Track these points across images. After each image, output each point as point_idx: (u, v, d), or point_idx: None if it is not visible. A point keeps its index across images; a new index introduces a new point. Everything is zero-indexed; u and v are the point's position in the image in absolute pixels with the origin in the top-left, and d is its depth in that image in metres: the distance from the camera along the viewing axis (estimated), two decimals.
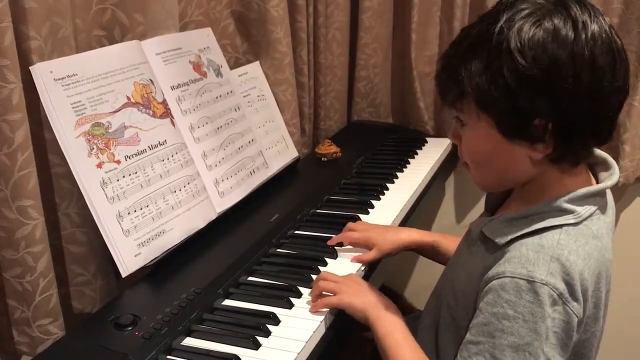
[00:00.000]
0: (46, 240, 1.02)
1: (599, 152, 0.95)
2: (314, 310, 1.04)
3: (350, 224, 1.27)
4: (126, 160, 1.12)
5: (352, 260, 1.20)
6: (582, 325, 0.86)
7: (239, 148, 1.41)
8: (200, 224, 1.24)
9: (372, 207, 1.42)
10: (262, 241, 1.25)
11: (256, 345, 0.96)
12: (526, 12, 0.82)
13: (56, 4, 1.02)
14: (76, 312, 1.13)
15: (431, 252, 1.25)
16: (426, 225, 2.02)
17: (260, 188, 1.45)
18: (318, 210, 1.40)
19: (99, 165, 1.07)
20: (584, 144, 0.87)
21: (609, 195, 0.95)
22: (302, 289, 1.10)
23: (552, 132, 0.83)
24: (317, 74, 1.78)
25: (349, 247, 1.24)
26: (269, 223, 1.32)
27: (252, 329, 0.99)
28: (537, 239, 0.86)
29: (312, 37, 1.72)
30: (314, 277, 1.12)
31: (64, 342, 1.00)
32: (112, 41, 1.18)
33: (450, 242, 1.20)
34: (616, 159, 1.67)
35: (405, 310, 1.20)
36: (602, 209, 0.91)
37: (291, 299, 1.07)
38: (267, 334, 0.98)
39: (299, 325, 1.01)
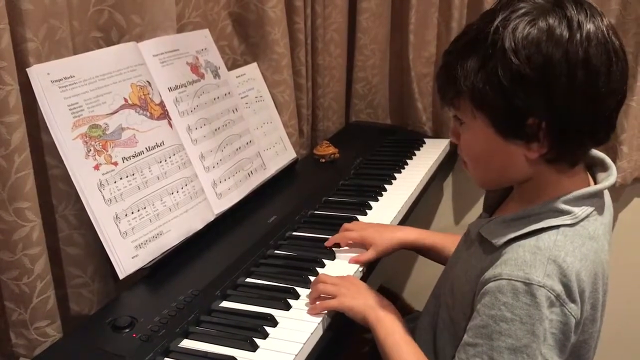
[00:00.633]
0: (43, 243, 1.01)
1: (596, 152, 0.95)
2: (314, 313, 1.04)
3: (346, 224, 1.27)
4: (123, 162, 1.12)
5: (349, 262, 1.20)
6: (579, 327, 0.86)
7: (237, 149, 1.41)
8: (198, 225, 1.24)
9: (370, 208, 1.42)
10: (260, 243, 1.25)
11: (254, 347, 0.96)
12: (522, 11, 0.82)
13: (53, 6, 1.02)
14: (74, 314, 1.13)
15: (430, 253, 1.25)
16: (424, 226, 2.01)
17: (258, 189, 1.45)
18: (316, 212, 1.40)
19: (96, 167, 1.07)
20: (581, 145, 0.87)
21: (607, 196, 0.95)
22: (299, 291, 1.10)
23: (547, 132, 0.83)
24: (315, 75, 1.78)
25: (346, 248, 1.24)
26: (267, 224, 1.32)
27: (250, 331, 0.99)
28: (533, 240, 0.86)
29: (310, 39, 1.72)
30: (312, 278, 1.12)
31: (61, 345, 1.00)
32: (109, 43, 1.18)
33: (449, 242, 1.20)
34: (613, 159, 1.66)
35: (404, 311, 1.20)
36: (599, 209, 0.91)
37: (289, 300, 1.06)
38: (264, 335, 0.98)
39: (296, 327, 1.01)
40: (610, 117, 0.86)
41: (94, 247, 1.11)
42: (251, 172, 1.44)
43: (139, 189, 1.13)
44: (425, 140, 1.85)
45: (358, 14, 1.83)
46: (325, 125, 1.88)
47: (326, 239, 1.25)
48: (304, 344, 0.97)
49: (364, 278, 1.19)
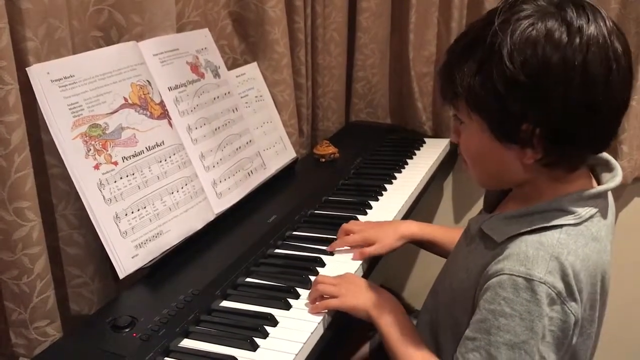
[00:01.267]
0: (43, 242, 1.01)
1: (601, 153, 0.94)
2: (315, 312, 1.04)
3: (345, 226, 1.26)
4: (123, 161, 1.12)
5: (353, 256, 1.20)
6: (578, 326, 0.86)
7: (237, 149, 1.41)
8: (198, 225, 1.24)
9: (371, 207, 1.42)
10: (260, 242, 1.25)
11: (254, 347, 0.96)
12: (522, 14, 0.81)
13: (53, 5, 1.02)
14: (74, 313, 1.13)
15: (431, 246, 1.26)
16: None
17: (258, 189, 1.44)
18: (316, 211, 1.40)
19: (96, 167, 1.07)
20: (578, 152, 0.86)
21: (610, 197, 0.95)
22: (300, 290, 1.09)
23: (541, 138, 0.82)
24: (315, 74, 1.78)
25: (348, 247, 1.23)
26: (267, 224, 1.32)
27: (250, 331, 0.99)
28: (537, 236, 0.86)
29: (310, 38, 1.72)
30: (312, 278, 1.12)
31: (61, 344, 1.00)
32: (109, 42, 1.18)
33: (449, 236, 1.21)
34: (614, 159, 1.66)
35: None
36: (603, 210, 0.91)
37: (289, 300, 1.06)
38: (264, 335, 0.98)
39: (296, 326, 1.01)
40: (609, 125, 0.85)
41: (94, 246, 1.11)
42: (251, 171, 1.44)
43: (139, 188, 1.13)
44: (425, 140, 1.85)
45: (358, 13, 1.83)
46: (325, 125, 1.88)
47: (326, 239, 1.25)
48: (305, 343, 0.97)
49: (365, 277, 1.19)
